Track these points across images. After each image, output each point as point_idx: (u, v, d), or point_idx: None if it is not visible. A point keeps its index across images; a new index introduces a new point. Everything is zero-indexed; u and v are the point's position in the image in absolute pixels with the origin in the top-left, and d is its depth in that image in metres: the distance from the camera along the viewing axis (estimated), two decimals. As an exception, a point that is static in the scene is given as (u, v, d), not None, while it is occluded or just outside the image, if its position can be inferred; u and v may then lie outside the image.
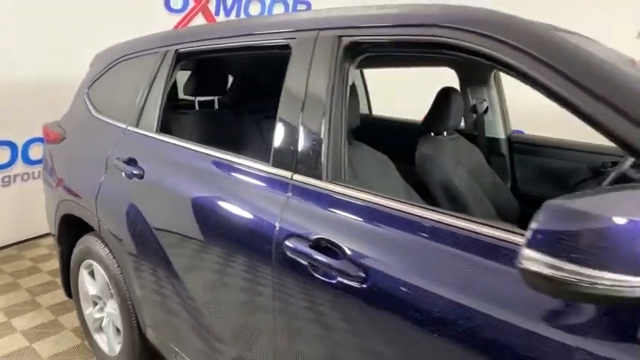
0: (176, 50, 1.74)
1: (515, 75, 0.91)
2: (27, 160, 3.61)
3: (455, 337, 0.81)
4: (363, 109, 2.90)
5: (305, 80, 1.21)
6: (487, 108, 2.30)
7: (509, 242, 0.79)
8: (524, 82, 0.90)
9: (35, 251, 3.54)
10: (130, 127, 1.84)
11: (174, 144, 1.62)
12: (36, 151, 3.56)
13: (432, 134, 2.08)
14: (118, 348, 1.99)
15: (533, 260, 0.58)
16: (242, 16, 4.85)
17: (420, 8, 1.06)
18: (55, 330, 2.46)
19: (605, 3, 4.02)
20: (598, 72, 0.83)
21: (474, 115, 2.33)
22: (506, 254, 0.78)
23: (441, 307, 0.84)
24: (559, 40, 0.89)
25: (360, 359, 0.98)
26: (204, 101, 2.42)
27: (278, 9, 4.99)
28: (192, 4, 4.55)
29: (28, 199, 3.51)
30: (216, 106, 2.37)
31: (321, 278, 1.02)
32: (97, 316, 2.10)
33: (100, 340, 2.13)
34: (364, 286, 0.94)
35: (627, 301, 0.56)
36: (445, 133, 2.13)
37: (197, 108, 2.23)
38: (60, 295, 2.73)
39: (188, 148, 1.55)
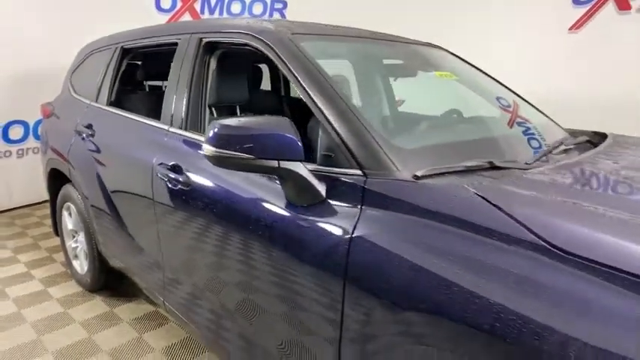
0: (122, 46, 2.41)
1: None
2: (37, 137, 4.36)
3: (219, 201, 1.46)
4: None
5: (180, 66, 1.85)
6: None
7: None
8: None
9: (43, 211, 4.30)
10: (91, 103, 2.52)
11: (114, 112, 2.29)
12: (44, 129, 4.32)
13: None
14: (86, 267, 2.69)
15: (206, 149, 1.19)
16: (224, 14, 5.50)
17: (236, 21, 1.68)
18: (48, 262, 3.19)
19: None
20: (316, 80, 1.39)
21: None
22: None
23: (212, 190, 1.48)
24: (297, 52, 1.46)
25: (185, 225, 1.63)
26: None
27: (257, 8, 5.63)
28: (179, 4, 5.22)
29: (38, 169, 4.27)
30: (164, 89, 3.04)
31: (171, 187, 1.67)
32: (73, 245, 2.81)
33: (76, 264, 2.83)
34: (187, 188, 1.59)
35: (250, 167, 1.18)
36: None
37: (147, 89, 2.91)
38: (56, 241, 3.46)
39: (121, 115, 2.22)
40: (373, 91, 1.72)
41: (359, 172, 1.16)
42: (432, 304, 0.92)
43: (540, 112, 2.17)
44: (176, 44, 1.94)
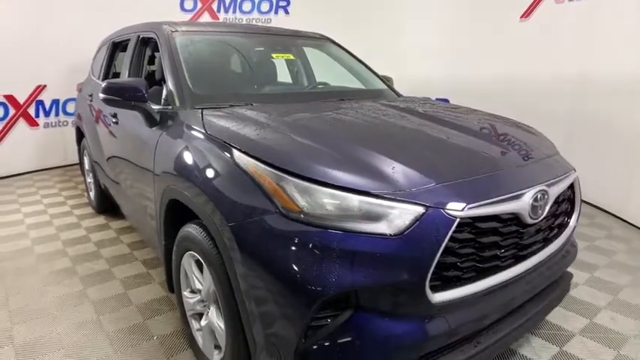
0: (113, 41, 3.55)
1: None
2: (86, 111, 5.74)
3: (125, 125, 2.50)
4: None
5: (127, 54, 2.92)
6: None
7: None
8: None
9: (88, 167, 5.69)
10: (96, 80, 3.70)
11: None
12: (91, 105, 5.68)
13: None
14: (94, 195, 3.91)
15: (100, 95, 2.22)
16: (237, 12, 6.55)
17: (153, 23, 2.70)
18: (80, 197, 4.50)
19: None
20: (170, 59, 2.39)
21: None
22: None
23: (124, 121, 2.52)
24: (168, 43, 2.44)
25: (117, 144, 2.70)
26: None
27: (265, 5, 6.61)
28: (199, 4, 6.35)
29: (86, 135, 5.64)
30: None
31: (112, 124, 2.74)
32: (89, 180, 4.05)
33: (91, 194, 4.07)
34: (117, 123, 2.66)
35: (120, 105, 2.19)
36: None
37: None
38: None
39: (104, 86, 3.36)
40: (219, 65, 2.69)
41: (171, 107, 2.14)
42: (180, 166, 1.88)
43: (386, 83, 2.98)
44: (129, 39, 3.01)
